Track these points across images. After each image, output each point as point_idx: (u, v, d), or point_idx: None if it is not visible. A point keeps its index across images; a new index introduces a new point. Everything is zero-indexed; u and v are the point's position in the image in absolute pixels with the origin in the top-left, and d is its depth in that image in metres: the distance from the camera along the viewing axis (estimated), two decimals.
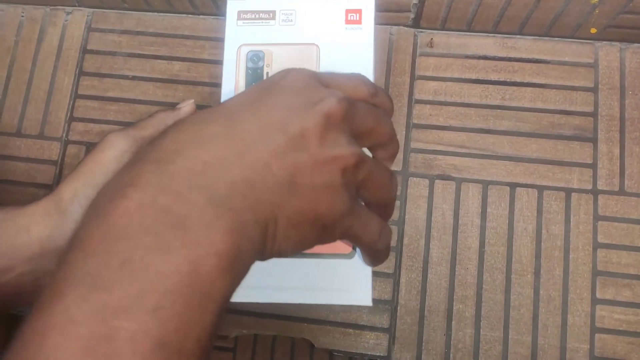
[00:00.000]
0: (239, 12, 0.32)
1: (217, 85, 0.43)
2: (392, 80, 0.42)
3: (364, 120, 0.24)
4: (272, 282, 0.28)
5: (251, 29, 0.31)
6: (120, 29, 0.45)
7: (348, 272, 0.28)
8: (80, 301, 0.17)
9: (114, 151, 0.29)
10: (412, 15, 0.41)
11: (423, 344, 0.38)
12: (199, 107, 0.34)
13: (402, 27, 0.43)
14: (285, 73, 0.25)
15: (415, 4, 0.39)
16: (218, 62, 0.44)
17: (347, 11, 0.31)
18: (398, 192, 0.26)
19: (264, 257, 0.22)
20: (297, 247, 0.23)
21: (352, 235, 0.25)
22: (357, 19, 0.31)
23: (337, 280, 0.28)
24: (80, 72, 0.45)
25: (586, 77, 0.41)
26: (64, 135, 0.44)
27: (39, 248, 0.27)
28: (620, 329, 0.37)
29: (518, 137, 0.40)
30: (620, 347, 0.37)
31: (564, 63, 0.41)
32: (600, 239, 0.39)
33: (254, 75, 0.31)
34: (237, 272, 0.20)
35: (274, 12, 0.31)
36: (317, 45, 0.31)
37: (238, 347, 0.67)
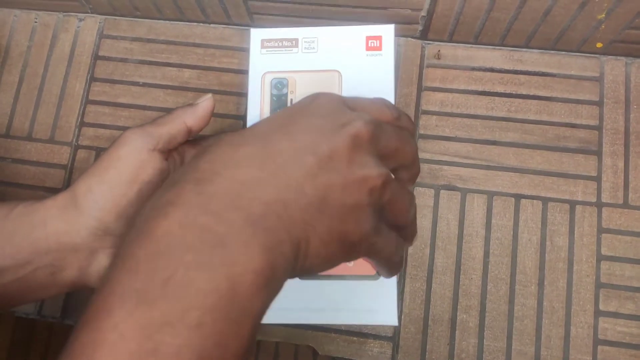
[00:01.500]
0: (263, 41, 0.33)
1: (227, 93, 0.44)
2: (400, 91, 0.42)
3: (389, 141, 0.25)
4: (300, 304, 0.29)
5: (274, 57, 0.33)
6: (132, 36, 0.46)
7: (374, 293, 0.29)
8: (128, 317, 0.18)
9: (131, 148, 0.29)
10: (420, 27, 0.42)
11: (426, 353, 0.38)
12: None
13: (410, 38, 0.43)
14: (314, 97, 0.26)
15: (424, 16, 0.40)
16: (228, 70, 0.44)
17: (368, 38, 0.32)
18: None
19: (294, 273, 0.23)
20: (326, 265, 0.24)
21: (375, 252, 0.25)
22: (378, 45, 0.32)
23: (364, 301, 0.29)
24: (92, 78, 0.45)
25: (592, 90, 0.41)
26: (74, 140, 0.44)
27: (55, 243, 0.28)
28: (623, 341, 0.37)
29: (523, 149, 0.41)
30: None
31: (570, 76, 0.42)
32: (604, 251, 0.39)
33: (279, 102, 0.32)
34: (272, 289, 0.21)
35: (296, 40, 0.32)
36: (339, 72, 0.32)
37: None
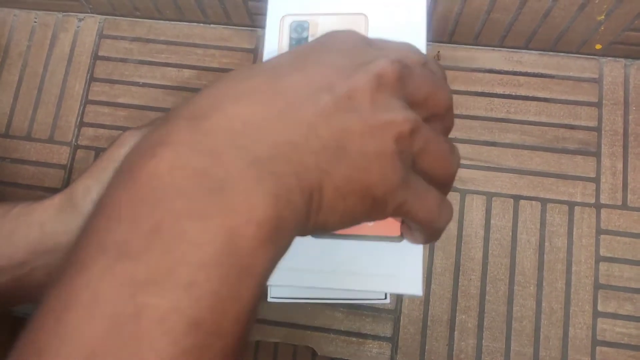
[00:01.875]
0: None
1: None
2: None
3: (419, 85, 0.22)
4: (312, 265, 0.26)
5: None
6: (132, 36, 0.46)
7: (397, 257, 0.26)
8: (105, 273, 0.15)
9: (128, 149, 0.29)
10: None
11: (425, 353, 0.39)
12: None
13: None
14: (333, 33, 0.23)
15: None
16: (228, 71, 0.44)
17: None
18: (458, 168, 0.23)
19: (306, 230, 0.20)
20: (343, 222, 0.21)
21: (406, 212, 0.21)
22: None
23: (385, 265, 0.26)
24: (91, 78, 0.45)
25: (590, 92, 0.42)
26: (74, 140, 0.44)
27: (52, 243, 0.28)
28: (622, 342, 0.38)
29: (522, 150, 0.41)
30: None
31: (569, 78, 0.42)
32: (603, 252, 0.39)
33: (298, 44, 0.29)
34: (278, 245, 0.18)
35: None
36: (365, 15, 0.29)
37: None
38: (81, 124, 0.44)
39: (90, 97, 0.45)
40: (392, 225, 0.25)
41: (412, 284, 0.25)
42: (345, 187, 0.19)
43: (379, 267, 0.26)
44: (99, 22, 0.46)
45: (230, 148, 0.18)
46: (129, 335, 0.14)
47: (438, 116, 0.23)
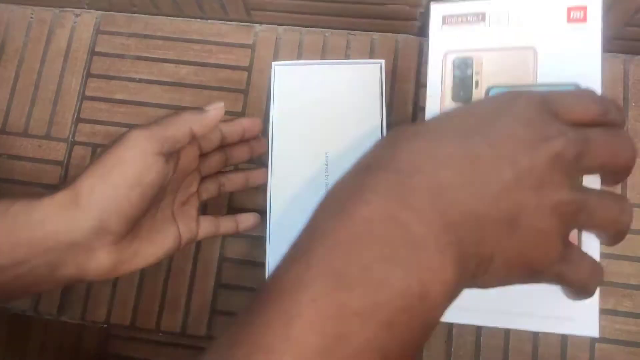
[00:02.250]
0: (444, 17, 0.30)
1: (224, 89, 0.44)
2: (397, 87, 0.42)
3: (597, 155, 0.23)
4: (494, 306, 0.27)
5: (458, 34, 0.29)
6: (129, 32, 0.46)
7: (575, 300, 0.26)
8: (325, 296, 0.18)
9: (137, 151, 0.29)
10: (418, 24, 0.41)
11: (424, 350, 0.38)
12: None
13: (408, 35, 0.43)
14: (513, 98, 0.24)
15: (422, 12, 0.40)
16: (225, 67, 0.44)
17: (569, 9, 0.28)
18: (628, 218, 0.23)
19: (466, 287, 0.22)
20: (500, 284, 0.23)
21: (560, 281, 0.23)
22: (582, 17, 0.28)
23: (562, 307, 0.27)
24: (88, 74, 0.45)
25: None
26: (71, 136, 0.44)
27: (53, 241, 0.28)
28: (621, 339, 0.37)
29: None
30: (621, 358, 0.37)
31: None
32: (602, 248, 0.39)
33: (462, 84, 0.29)
34: (449, 303, 0.20)
35: (483, 13, 0.29)
36: (534, 49, 0.28)
37: None
38: (78, 120, 0.44)
39: (87, 93, 0.45)
40: None
41: (589, 326, 0.26)
42: (513, 260, 0.22)
43: (554, 308, 0.26)
44: (96, 18, 0.46)
45: (430, 208, 0.20)
46: (338, 356, 0.17)
47: (615, 173, 0.24)
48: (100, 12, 0.46)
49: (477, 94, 0.29)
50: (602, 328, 0.37)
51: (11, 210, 0.28)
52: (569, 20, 0.28)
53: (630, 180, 0.40)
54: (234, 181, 0.39)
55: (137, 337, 0.63)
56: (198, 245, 0.41)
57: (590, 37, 0.27)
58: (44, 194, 0.29)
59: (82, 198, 0.28)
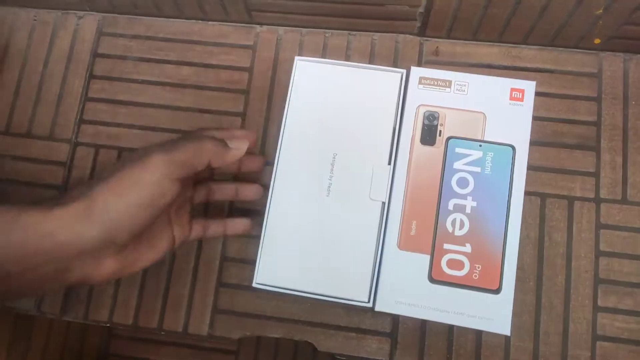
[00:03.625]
0: (420, 78, 0.37)
1: (225, 90, 0.44)
2: None
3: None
4: (431, 304, 0.34)
5: (429, 93, 0.37)
6: (131, 34, 0.46)
7: (493, 304, 0.34)
8: None
9: (155, 176, 0.30)
10: (418, 24, 0.42)
11: (425, 348, 0.38)
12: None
13: (408, 35, 0.43)
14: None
15: (422, 12, 0.40)
16: (227, 67, 0.44)
17: (512, 89, 0.37)
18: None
19: None
20: None
21: None
22: (520, 97, 0.37)
23: (484, 309, 0.34)
24: (91, 75, 0.45)
25: (589, 86, 0.41)
26: (74, 137, 0.44)
27: (62, 251, 0.28)
28: (622, 337, 0.38)
29: None
30: (622, 356, 0.37)
31: (568, 73, 0.42)
32: (603, 247, 0.39)
33: (429, 131, 0.36)
34: None
35: (450, 81, 0.37)
36: (484, 114, 0.36)
37: (241, 350, 0.68)
38: (81, 121, 0.44)
39: (89, 95, 0.45)
40: (492, 279, 0.34)
41: (502, 325, 0.34)
42: None
43: (480, 310, 0.34)
44: (98, 20, 0.47)
45: None
46: None
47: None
48: (102, 14, 0.47)
49: (440, 141, 0.36)
50: (602, 326, 0.37)
51: (21, 220, 0.28)
52: (511, 98, 0.37)
53: (631, 178, 0.40)
54: (223, 192, 0.39)
55: (139, 337, 0.64)
56: (200, 245, 0.41)
57: (525, 112, 0.36)
58: (53, 202, 0.29)
59: (96, 212, 0.29)
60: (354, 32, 0.44)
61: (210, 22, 0.45)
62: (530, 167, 0.40)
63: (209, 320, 0.40)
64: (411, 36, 0.43)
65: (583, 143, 0.41)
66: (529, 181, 0.40)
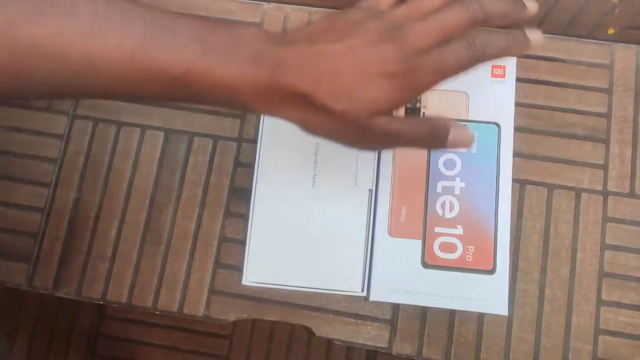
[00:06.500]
0: None
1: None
2: None
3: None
4: (426, 289, 0.34)
5: None
6: None
7: (489, 285, 0.33)
8: None
9: None
10: None
11: (425, 337, 0.38)
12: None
13: None
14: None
15: None
16: None
17: (493, 66, 0.36)
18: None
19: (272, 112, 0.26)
20: (328, 136, 0.26)
21: (396, 137, 0.26)
22: (502, 73, 0.36)
23: (480, 291, 0.33)
24: None
25: (601, 77, 0.41)
26: (72, 109, 0.43)
27: None
28: (625, 331, 0.37)
29: (530, 135, 0.40)
30: (624, 350, 0.37)
31: (580, 63, 0.41)
32: (609, 240, 0.38)
33: (412, 113, 0.36)
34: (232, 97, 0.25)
35: None
36: (467, 94, 0.36)
37: (235, 334, 0.67)
38: None
39: None
40: (486, 260, 0.34)
41: (499, 306, 0.33)
42: (337, 105, 0.24)
43: (476, 292, 0.33)
44: None
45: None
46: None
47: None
48: None
49: None
50: (605, 320, 0.37)
51: None
52: (493, 75, 0.36)
53: (639, 171, 0.39)
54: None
55: (131, 318, 0.63)
56: (198, 223, 0.40)
57: (507, 89, 0.36)
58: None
59: None
60: None
61: None
62: (539, 157, 0.40)
63: (205, 300, 0.39)
64: None
65: (593, 135, 0.40)
66: (536, 171, 0.39)
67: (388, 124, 0.25)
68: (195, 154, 0.41)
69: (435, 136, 0.26)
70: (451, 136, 0.26)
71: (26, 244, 0.41)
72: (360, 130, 0.25)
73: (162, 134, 0.42)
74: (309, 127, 0.26)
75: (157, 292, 0.40)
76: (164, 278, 0.40)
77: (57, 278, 0.40)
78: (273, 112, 0.25)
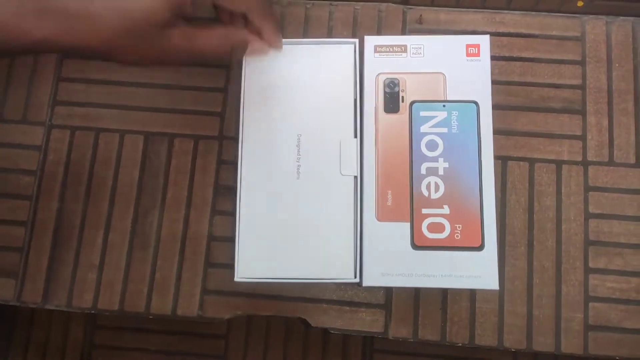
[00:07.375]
0: (375, 46, 0.37)
1: (209, 65, 0.42)
2: None
3: None
4: (417, 271, 0.34)
5: (386, 60, 0.36)
6: None
7: (478, 261, 0.34)
8: None
9: None
10: None
11: (419, 318, 0.38)
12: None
13: (390, 4, 0.42)
14: None
15: None
16: None
17: (467, 46, 0.36)
18: None
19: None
20: (134, 60, 0.31)
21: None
22: (476, 52, 0.36)
23: (470, 268, 0.34)
24: (64, 54, 0.43)
25: (574, 50, 0.41)
26: (48, 119, 0.42)
27: None
28: (613, 297, 0.38)
29: (508, 111, 0.40)
30: (614, 315, 0.37)
31: (552, 37, 0.42)
32: (592, 209, 0.39)
33: (392, 99, 0.36)
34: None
35: (405, 46, 0.37)
36: (443, 74, 0.36)
37: (231, 334, 0.67)
38: (54, 102, 0.43)
39: (63, 75, 0.43)
40: (474, 237, 0.34)
41: (490, 281, 0.33)
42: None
43: (467, 270, 0.34)
44: None
45: None
46: None
47: None
48: None
49: (403, 107, 0.36)
50: (594, 287, 0.38)
51: None
52: (467, 54, 0.36)
53: (617, 140, 0.40)
54: None
55: (125, 326, 0.62)
56: (186, 224, 0.40)
57: (483, 67, 0.36)
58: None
59: None
60: (335, 2, 0.43)
61: None
62: (518, 133, 0.40)
63: (198, 301, 0.39)
64: (394, 5, 0.43)
65: (569, 107, 0.40)
66: (516, 147, 0.40)
67: (189, 41, 0.31)
68: (177, 155, 0.41)
69: (236, 50, 0.34)
70: (249, 49, 0.34)
71: (12, 259, 0.40)
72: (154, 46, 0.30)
73: (141, 137, 0.42)
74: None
75: (149, 296, 0.39)
76: (154, 282, 0.39)
77: (46, 291, 0.40)
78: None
